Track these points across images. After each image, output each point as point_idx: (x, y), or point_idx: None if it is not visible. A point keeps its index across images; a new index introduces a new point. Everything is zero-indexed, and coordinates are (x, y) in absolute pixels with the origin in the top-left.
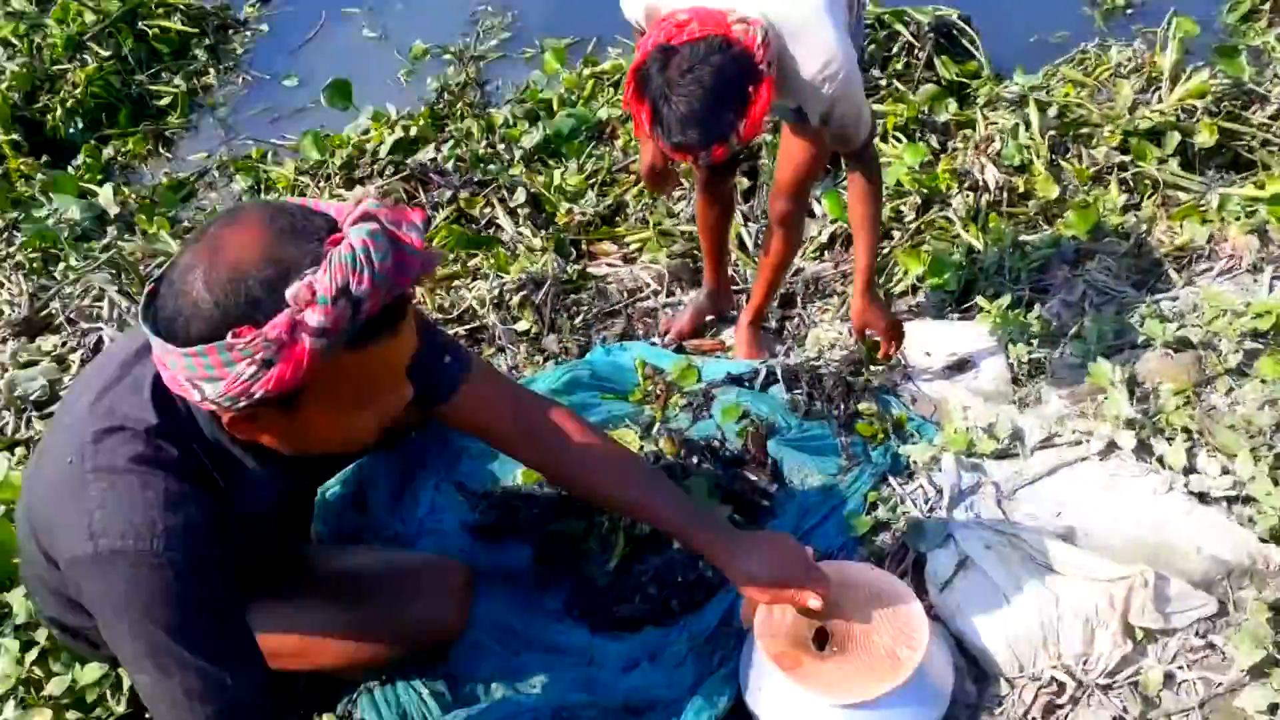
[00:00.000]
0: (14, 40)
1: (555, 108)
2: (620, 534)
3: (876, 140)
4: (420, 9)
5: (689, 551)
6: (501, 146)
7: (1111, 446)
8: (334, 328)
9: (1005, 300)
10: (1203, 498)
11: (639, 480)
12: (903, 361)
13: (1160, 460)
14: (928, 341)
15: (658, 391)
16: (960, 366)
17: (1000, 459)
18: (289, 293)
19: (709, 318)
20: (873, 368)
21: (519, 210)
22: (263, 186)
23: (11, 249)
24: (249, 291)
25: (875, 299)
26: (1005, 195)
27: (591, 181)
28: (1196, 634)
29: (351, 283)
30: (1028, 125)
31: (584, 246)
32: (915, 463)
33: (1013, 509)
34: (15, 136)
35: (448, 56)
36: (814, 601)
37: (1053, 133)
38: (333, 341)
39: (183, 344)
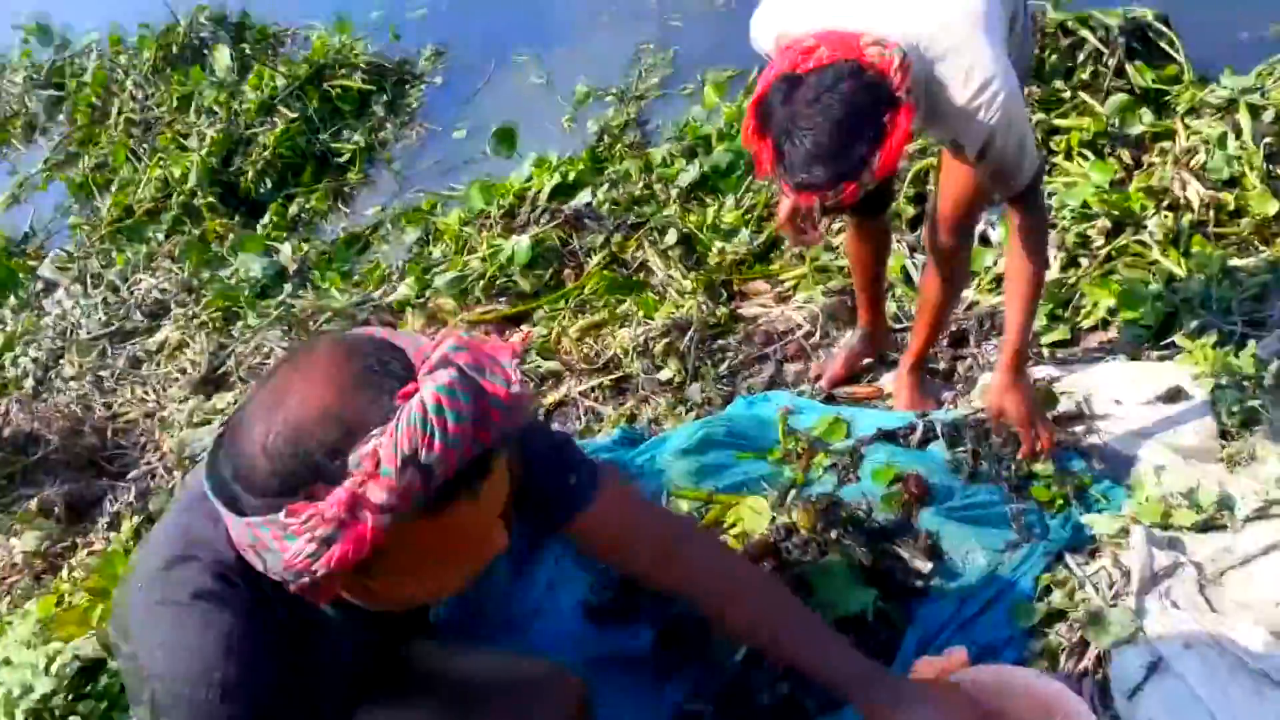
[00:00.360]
0: (216, 107)
1: (714, 143)
2: None
3: (1043, 185)
4: (585, 50)
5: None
6: (659, 186)
7: None
8: (401, 501)
9: (1212, 338)
10: None
11: (785, 623)
12: (1085, 411)
13: None
14: (1118, 388)
15: (800, 450)
16: (1157, 417)
17: (1203, 532)
18: (351, 460)
19: (865, 361)
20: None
21: (670, 252)
22: (430, 236)
23: (199, 308)
24: (308, 457)
25: (1020, 380)
26: (1212, 214)
27: (748, 217)
28: None
29: (420, 449)
30: (1238, 133)
31: (735, 286)
32: (1100, 537)
33: (1219, 597)
34: (212, 199)
35: (610, 98)
36: None
37: (1269, 140)
38: (399, 515)
39: (239, 513)
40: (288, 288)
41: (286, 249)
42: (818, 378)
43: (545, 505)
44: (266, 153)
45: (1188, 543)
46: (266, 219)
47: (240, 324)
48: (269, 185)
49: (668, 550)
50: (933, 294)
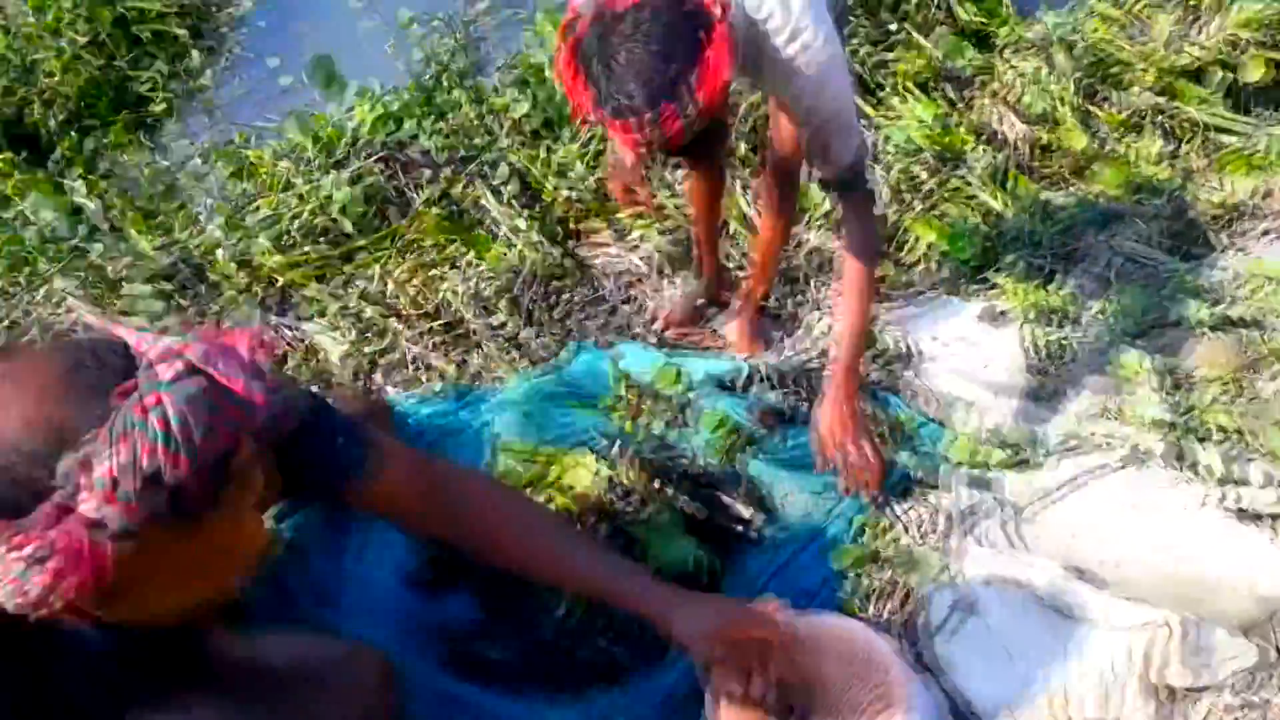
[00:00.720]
0: None
1: (548, 73)
2: None
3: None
4: None
5: (630, 615)
6: (491, 119)
7: (1139, 453)
8: (126, 516)
9: (1026, 272)
10: (1246, 515)
11: (565, 548)
12: (906, 350)
13: (1195, 468)
14: (938, 325)
15: (632, 399)
16: (972, 354)
17: (1013, 468)
18: (59, 471)
19: (702, 304)
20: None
21: (504, 188)
22: (245, 173)
23: None
24: (9, 472)
25: (849, 402)
26: (1030, 150)
27: (584, 153)
28: (1233, 690)
29: (142, 456)
30: (1053, 69)
31: (573, 226)
32: (918, 477)
33: (1027, 534)
34: None
35: (436, 23)
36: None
37: (1081, 76)
38: (128, 531)
39: None
40: (82, 231)
41: (81, 187)
42: (653, 320)
43: (317, 479)
44: (54, 80)
45: (997, 481)
46: (57, 155)
47: (28, 271)
48: (59, 118)
49: (451, 506)
50: (767, 236)
